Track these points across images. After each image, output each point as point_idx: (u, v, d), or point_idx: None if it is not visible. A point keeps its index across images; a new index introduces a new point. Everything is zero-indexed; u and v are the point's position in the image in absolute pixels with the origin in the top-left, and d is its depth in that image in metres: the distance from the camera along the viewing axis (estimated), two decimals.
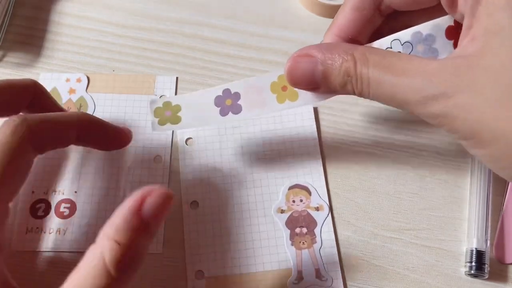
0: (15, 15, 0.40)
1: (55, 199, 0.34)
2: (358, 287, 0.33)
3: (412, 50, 0.24)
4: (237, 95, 0.31)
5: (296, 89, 0.29)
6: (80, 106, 0.37)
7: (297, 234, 0.34)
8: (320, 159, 0.36)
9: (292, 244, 0.34)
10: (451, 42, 0.24)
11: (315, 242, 0.34)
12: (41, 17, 0.40)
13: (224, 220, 0.34)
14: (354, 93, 0.25)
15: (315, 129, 0.37)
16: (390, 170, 0.36)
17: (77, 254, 0.32)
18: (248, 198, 0.35)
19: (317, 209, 0.35)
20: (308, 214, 0.34)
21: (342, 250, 0.34)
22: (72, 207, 0.33)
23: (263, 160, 0.36)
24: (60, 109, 0.32)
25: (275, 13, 0.40)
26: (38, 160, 0.34)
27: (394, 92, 0.23)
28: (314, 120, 0.37)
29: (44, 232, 0.33)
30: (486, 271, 0.33)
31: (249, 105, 0.30)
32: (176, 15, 0.40)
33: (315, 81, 0.25)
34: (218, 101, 0.31)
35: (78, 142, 0.31)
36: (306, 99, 0.30)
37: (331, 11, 0.39)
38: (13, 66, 0.39)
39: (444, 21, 0.23)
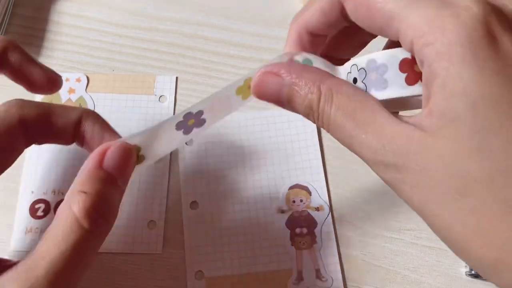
0: (15, 15, 0.40)
1: (54, 199, 0.33)
2: (358, 287, 0.33)
3: (365, 77, 0.23)
4: (199, 113, 0.28)
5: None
6: (80, 106, 0.37)
7: (297, 235, 0.34)
8: (321, 159, 0.36)
9: (292, 245, 0.34)
10: (404, 75, 0.23)
11: (315, 242, 0.34)
12: (40, 16, 0.40)
13: (225, 220, 0.34)
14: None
15: (316, 129, 0.37)
16: None
17: None
18: (248, 198, 0.35)
19: (317, 209, 0.35)
20: (308, 214, 0.34)
21: (342, 250, 0.34)
22: None
23: (264, 160, 0.36)
24: (37, 64, 0.31)
25: (275, 13, 0.40)
26: (37, 160, 0.34)
27: (351, 143, 0.22)
28: None
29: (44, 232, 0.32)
30: None
31: (213, 115, 0.28)
32: (176, 15, 0.40)
33: (280, 101, 0.25)
34: (180, 125, 0.28)
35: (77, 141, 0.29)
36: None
37: None
38: None
39: (401, 53, 0.23)
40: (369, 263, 0.34)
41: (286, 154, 0.36)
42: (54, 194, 0.34)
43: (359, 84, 0.23)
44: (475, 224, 0.19)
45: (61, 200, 0.33)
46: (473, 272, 0.33)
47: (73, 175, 0.25)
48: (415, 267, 0.34)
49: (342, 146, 0.31)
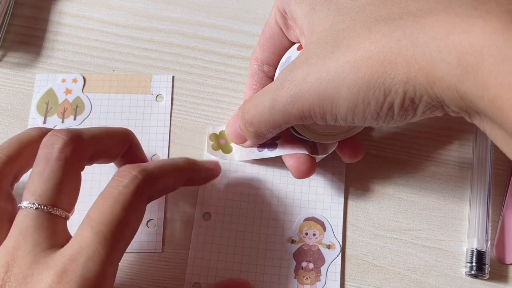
0: (15, 15, 0.40)
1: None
2: (358, 287, 0.33)
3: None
4: (276, 137, 0.33)
5: None
6: (77, 106, 0.37)
7: (302, 268, 0.33)
8: (343, 197, 0.35)
9: (295, 277, 0.33)
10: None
11: (319, 280, 0.33)
12: (40, 17, 0.40)
13: (233, 238, 0.34)
14: None
15: (344, 166, 0.36)
16: (391, 171, 0.36)
17: None
18: (262, 220, 0.34)
19: (328, 247, 0.34)
20: (319, 250, 0.33)
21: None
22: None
23: (285, 185, 0.35)
24: (144, 159, 0.33)
25: None
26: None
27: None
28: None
29: None
30: (486, 272, 0.33)
31: (284, 146, 0.33)
32: (176, 15, 0.40)
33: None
34: None
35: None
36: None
37: None
38: (13, 66, 0.39)
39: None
40: (369, 263, 0.34)
41: (309, 184, 0.35)
42: None
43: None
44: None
45: None
46: (473, 272, 0.33)
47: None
48: (415, 267, 0.34)
49: (366, 189, 0.32)
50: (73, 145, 0.26)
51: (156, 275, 0.33)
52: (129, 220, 0.25)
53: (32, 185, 0.25)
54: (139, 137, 0.32)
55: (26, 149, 0.28)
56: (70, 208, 0.26)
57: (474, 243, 0.33)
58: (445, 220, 0.35)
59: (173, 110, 0.37)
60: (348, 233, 0.34)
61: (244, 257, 0.33)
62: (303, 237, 0.34)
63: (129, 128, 0.31)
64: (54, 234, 0.25)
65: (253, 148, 0.34)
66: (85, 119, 0.37)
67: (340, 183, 0.35)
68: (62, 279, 0.23)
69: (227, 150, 0.36)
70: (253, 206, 0.35)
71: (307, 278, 0.33)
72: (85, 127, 0.36)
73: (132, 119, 0.37)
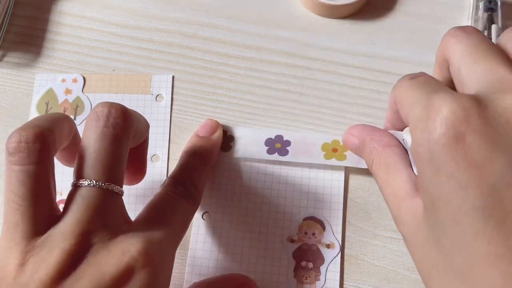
0: (15, 15, 0.40)
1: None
2: (358, 287, 0.33)
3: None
4: (287, 142, 0.35)
5: (344, 152, 0.34)
6: (77, 107, 0.37)
7: (302, 267, 0.33)
8: (342, 196, 0.35)
9: (294, 276, 0.33)
10: None
11: (318, 279, 0.33)
12: (41, 16, 0.40)
13: (233, 237, 0.34)
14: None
15: (343, 169, 0.35)
16: None
17: None
18: (261, 219, 0.34)
19: (328, 246, 0.34)
20: (318, 249, 0.33)
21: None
22: None
23: (284, 184, 0.35)
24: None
25: (275, 13, 0.40)
26: None
27: (382, 191, 0.29)
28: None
29: None
30: None
31: (295, 154, 0.34)
32: (176, 15, 0.40)
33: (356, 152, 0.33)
34: (268, 142, 0.35)
35: None
36: (352, 161, 0.34)
37: (331, 11, 0.39)
38: (13, 66, 0.39)
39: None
40: (369, 263, 0.34)
41: (309, 183, 0.35)
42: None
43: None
44: None
45: (60, 201, 0.33)
46: None
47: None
48: (415, 267, 0.33)
49: (366, 189, 0.31)
50: (129, 121, 0.26)
51: None
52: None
53: (91, 162, 0.25)
54: None
55: (61, 125, 0.26)
56: (122, 184, 0.26)
57: None
58: None
59: (173, 110, 0.37)
60: (348, 233, 0.34)
61: (244, 256, 0.33)
62: (303, 236, 0.34)
63: None
64: (117, 210, 0.25)
65: (261, 148, 0.35)
66: (85, 119, 0.37)
67: (340, 182, 0.35)
68: (153, 247, 0.24)
69: (226, 148, 0.36)
70: (253, 206, 0.34)
71: (306, 277, 0.33)
72: None
73: None
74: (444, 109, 0.21)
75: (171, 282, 0.33)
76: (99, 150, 0.25)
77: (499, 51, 0.24)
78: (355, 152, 0.33)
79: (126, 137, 0.26)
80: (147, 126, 0.29)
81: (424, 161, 0.22)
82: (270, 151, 0.35)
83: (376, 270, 0.33)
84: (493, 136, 0.21)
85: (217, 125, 0.36)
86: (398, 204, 0.26)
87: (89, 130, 0.25)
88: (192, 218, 0.30)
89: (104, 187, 0.24)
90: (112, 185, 0.25)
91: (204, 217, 0.34)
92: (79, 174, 0.25)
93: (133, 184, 0.31)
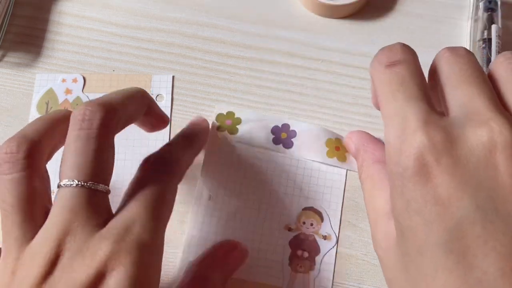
0: (15, 15, 0.40)
1: (54, 199, 0.33)
2: (358, 287, 0.33)
3: None
4: (293, 133, 0.36)
5: (346, 153, 0.35)
6: (77, 106, 0.37)
7: (297, 256, 0.33)
8: (343, 190, 0.35)
9: (289, 264, 0.33)
10: None
11: (313, 269, 0.33)
12: (41, 17, 0.40)
13: (232, 219, 0.34)
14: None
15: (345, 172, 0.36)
16: None
17: None
18: (260, 205, 0.34)
19: (324, 237, 0.34)
20: (314, 240, 0.34)
21: (342, 250, 0.34)
22: None
23: (287, 173, 0.35)
24: (163, 114, 0.32)
25: (275, 13, 0.40)
26: None
27: (366, 204, 0.29)
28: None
29: None
30: None
31: (300, 146, 0.35)
32: (176, 15, 0.40)
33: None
34: (275, 130, 0.36)
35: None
36: (351, 166, 0.35)
37: (331, 11, 0.39)
38: (13, 66, 0.39)
39: None
40: (369, 263, 0.34)
41: (311, 174, 0.35)
42: (53, 194, 0.34)
43: None
44: None
45: None
46: None
47: None
48: None
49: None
50: (106, 116, 0.26)
51: None
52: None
53: (70, 162, 0.25)
54: (139, 136, 0.32)
55: (57, 126, 0.27)
56: (109, 181, 0.26)
57: None
58: None
59: (173, 110, 0.37)
60: (348, 233, 0.34)
61: (240, 240, 0.34)
62: (301, 226, 0.34)
63: (129, 127, 0.31)
64: (99, 209, 0.25)
65: (268, 135, 0.35)
66: None
67: (341, 176, 0.35)
68: (121, 247, 0.23)
69: (232, 131, 0.36)
70: (253, 191, 0.35)
71: (301, 266, 0.33)
72: None
73: None
74: (416, 145, 0.22)
75: (169, 260, 0.33)
76: (75, 149, 0.25)
77: (484, 78, 0.24)
78: (353, 156, 0.34)
79: (106, 131, 0.26)
80: (141, 99, 0.29)
81: (397, 194, 0.23)
82: (275, 141, 0.35)
83: (376, 270, 0.33)
84: (462, 175, 0.21)
85: (204, 119, 0.35)
86: (376, 222, 0.27)
87: (68, 133, 0.26)
88: (174, 192, 0.28)
89: (87, 186, 0.24)
90: (94, 183, 0.25)
91: (204, 196, 0.35)
92: (60, 176, 0.25)
93: (162, 129, 0.32)
